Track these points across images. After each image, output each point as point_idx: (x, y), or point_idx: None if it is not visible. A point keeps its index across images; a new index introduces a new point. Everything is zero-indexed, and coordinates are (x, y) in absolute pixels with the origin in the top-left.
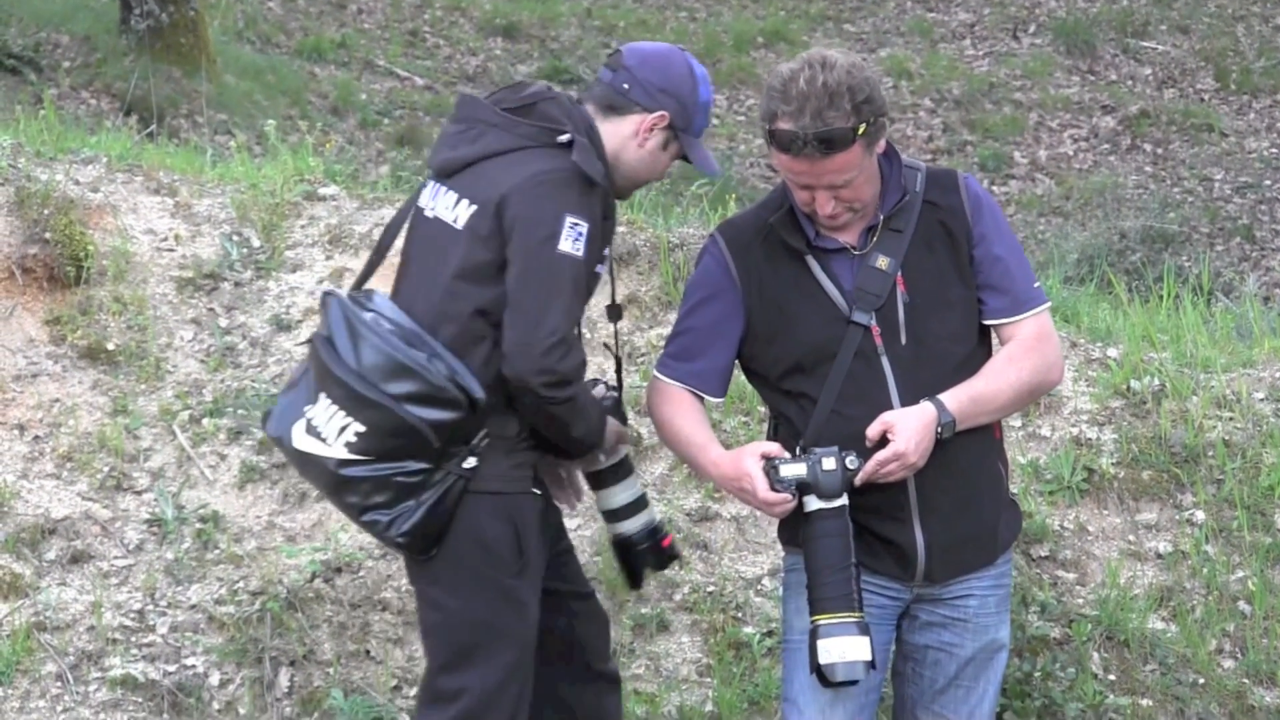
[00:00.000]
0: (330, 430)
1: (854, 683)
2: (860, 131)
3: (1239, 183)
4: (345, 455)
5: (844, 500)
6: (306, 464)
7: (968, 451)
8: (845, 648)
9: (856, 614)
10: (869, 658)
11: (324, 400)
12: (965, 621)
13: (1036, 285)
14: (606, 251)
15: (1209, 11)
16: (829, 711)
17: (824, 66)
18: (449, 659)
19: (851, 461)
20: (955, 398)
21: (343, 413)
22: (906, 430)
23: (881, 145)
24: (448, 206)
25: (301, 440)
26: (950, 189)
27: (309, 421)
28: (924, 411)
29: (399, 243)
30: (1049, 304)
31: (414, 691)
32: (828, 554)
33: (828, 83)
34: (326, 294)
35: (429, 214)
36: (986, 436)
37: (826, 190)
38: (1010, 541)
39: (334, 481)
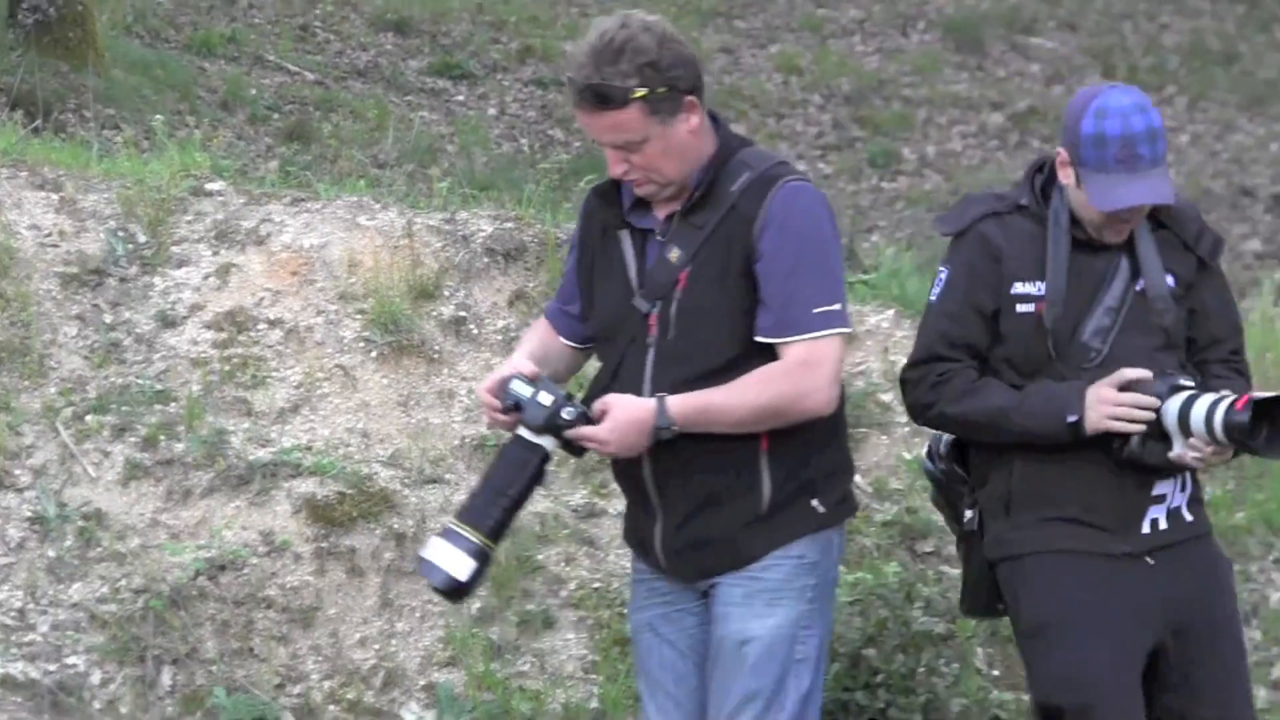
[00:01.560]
0: None
1: (442, 593)
2: (637, 95)
3: None
4: None
5: (544, 442)
6: None
7: (714, 458)
8: (444, 554)
9: (482, 537)
10: (461, 578)
11: None
12: (718, 617)
13: (824, 310)
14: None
15: (1096, 9)
16: (648, 695)
17: (623, 25)
18: None
19: (569, 412)
20: (684, 402)
21: None
22: (615, 419)
23: (692, 123)
24: None
25: None
26: (759, 197)
27: None
28: (643, 406)
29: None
30: (832, 331)
31: (298, 689)
32: (497, 474)
33: (616, 39)
34: None
35: None
36: (743, 446)
37: (611, 149)
38: (760, 554)
39: None
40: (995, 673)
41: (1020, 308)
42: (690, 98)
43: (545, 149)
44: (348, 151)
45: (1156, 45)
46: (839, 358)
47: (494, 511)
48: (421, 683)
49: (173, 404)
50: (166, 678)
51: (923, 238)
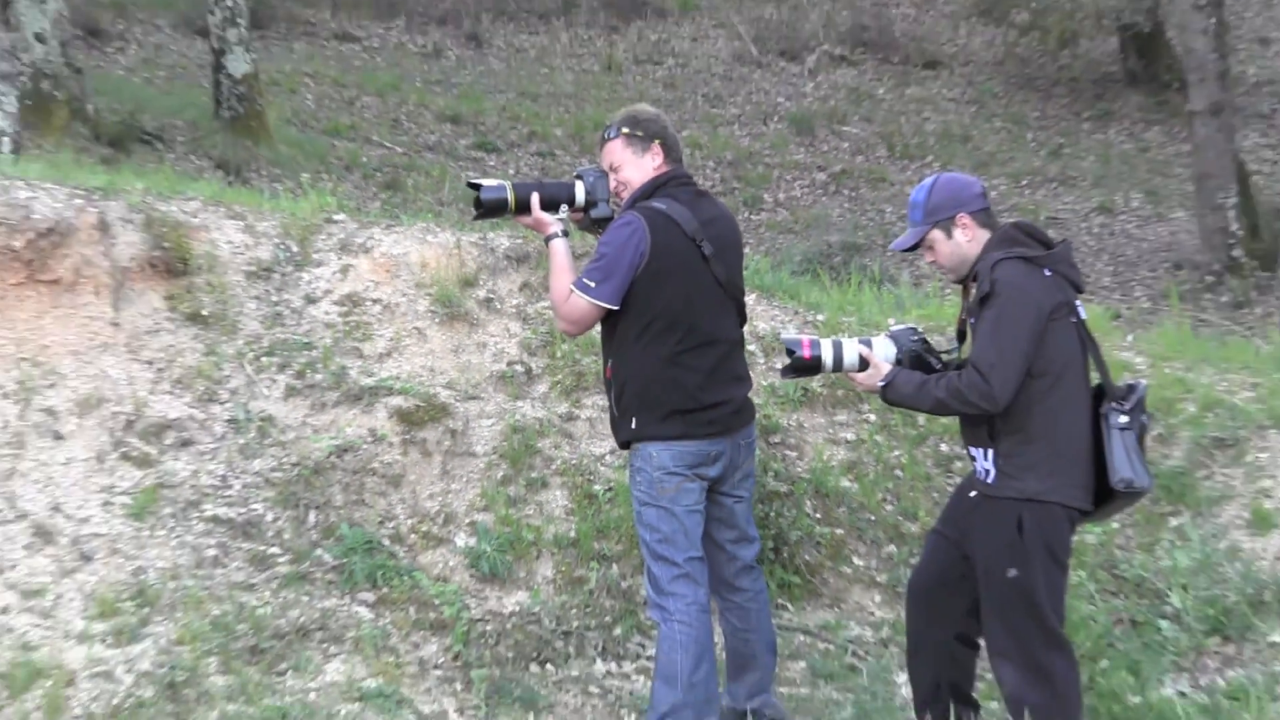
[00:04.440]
0: None
1: (487, 203)
2: (623, 132)
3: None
4: None
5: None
6: None
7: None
8: (493, 188)
9: (514, 196)
10: (502, 196)
11: None
12: None
13: (583, 281)
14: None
15: (883, 108)
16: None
17: (633, 106)
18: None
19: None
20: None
21: None
22: None
23: (656, 163)
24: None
25: None
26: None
27: None
28: None
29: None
30: (578, 293)
31: (391, 525)
32: (549, 185)
33: (624, 109)
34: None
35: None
36: (609, 365)
37: (609, 171)
38: (622, 444)
39: None
40: (818, 516)
41: None
42: (655, 144)
43: None
44: (421, 196)
45: (920, 131)
46: (578, 314)
47: (528, 189)
48: (467, 521)
49: (314, 350)
50: (312, 518)
51: (776, 250)
